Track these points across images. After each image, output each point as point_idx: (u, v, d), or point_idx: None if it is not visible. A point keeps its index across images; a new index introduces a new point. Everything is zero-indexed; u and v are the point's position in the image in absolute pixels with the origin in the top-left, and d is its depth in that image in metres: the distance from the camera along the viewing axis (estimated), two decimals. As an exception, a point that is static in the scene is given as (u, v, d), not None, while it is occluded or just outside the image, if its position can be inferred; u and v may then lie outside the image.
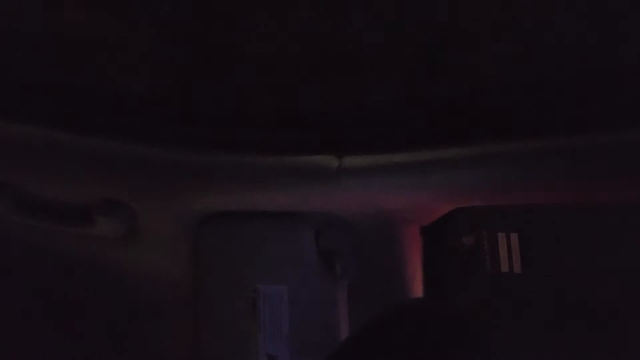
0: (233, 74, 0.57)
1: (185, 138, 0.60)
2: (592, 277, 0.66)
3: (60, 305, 0.69)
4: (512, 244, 0.70)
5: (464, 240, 0.72)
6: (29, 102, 0.56)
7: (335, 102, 0.58)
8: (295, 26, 0.52)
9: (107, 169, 0.63)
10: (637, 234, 0.65)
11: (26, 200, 0.66)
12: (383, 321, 0.47)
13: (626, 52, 0.49)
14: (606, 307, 0.65)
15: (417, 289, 0.70)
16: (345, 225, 0.67)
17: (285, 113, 0.59)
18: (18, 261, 0.69)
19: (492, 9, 0.48)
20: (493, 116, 0.54)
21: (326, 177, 0.60)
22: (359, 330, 0.47)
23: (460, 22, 0.49)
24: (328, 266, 0.67)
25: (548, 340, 0.67)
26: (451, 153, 0.55)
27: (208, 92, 0.59)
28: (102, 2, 0.52)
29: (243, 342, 0.68)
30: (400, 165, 0.58)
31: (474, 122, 0.54)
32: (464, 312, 0.50)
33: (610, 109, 0.50)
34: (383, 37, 0.52)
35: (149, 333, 0.69)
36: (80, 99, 0.57)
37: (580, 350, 0.65)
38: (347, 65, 0.55)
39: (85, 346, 0.68)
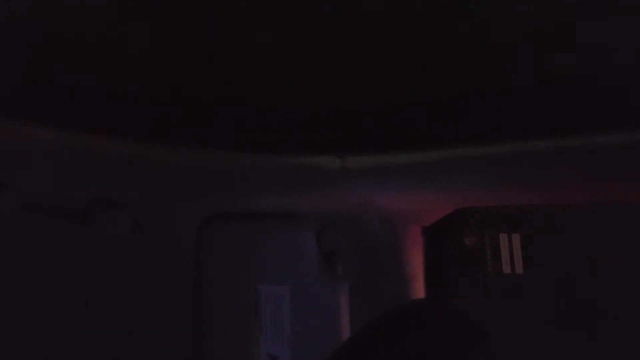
0: (234, 75, 0.57)
1: (187, 139, 0.60)
2: (594, 278, 0.66)
3: (61, 305, 0.69)
4: (514, 245, 0.70)
5: (466, 241, 0.72)
6: (30, 102, 0.56)
7: (337, 103, 0.58)
8: (296, 26, 0.52)
9: (109, 169, 0.63)
10: (637, 234, 0.64)
11: (28, 200, 0.66)
12: (384, 322, 0.47)
13: (627, 53, 0.49)
14: (607, 308, 0.65)
15: (419, 290, 0.70)
16: (347, 226, 0.67)
17: (287, 113, 0.59)
18: (19, 260, 0.69)
19: (493, 10, 0.48)
20: (493, 116, 0.54)
21: (328, 178, 0.60)
22: (360, 330, 0.47)
23: (460, 22, 0.49)
24: (329, 267, 0.67)
25: (549, 340, 0.67)
26: (452, 153, 0.55)
27: (209, 93, 0.59)
28: (103, 2, 0.52)
29: (244, 342, 0.68)
30: (401, 166, 0.58)
31: (474, 122, 0.54)
32: (465, 312, 0.50)
33: (611, 110, 0.50)
34: (384, 38, 0.52)
35: (151, 333, 0.69)
36: (81, 98, 0.58)
37: (580, 350, 0.65)
38: (348, 66, 0.55)
39: (86, 346, 0.68)
